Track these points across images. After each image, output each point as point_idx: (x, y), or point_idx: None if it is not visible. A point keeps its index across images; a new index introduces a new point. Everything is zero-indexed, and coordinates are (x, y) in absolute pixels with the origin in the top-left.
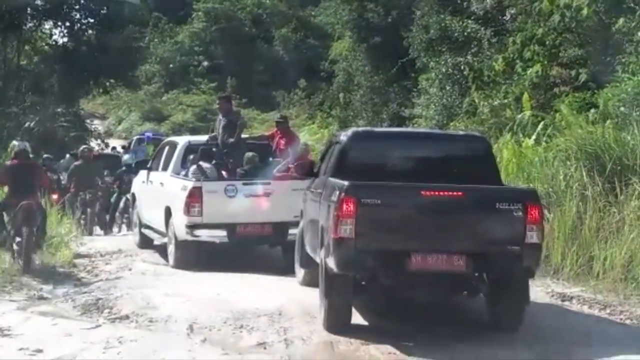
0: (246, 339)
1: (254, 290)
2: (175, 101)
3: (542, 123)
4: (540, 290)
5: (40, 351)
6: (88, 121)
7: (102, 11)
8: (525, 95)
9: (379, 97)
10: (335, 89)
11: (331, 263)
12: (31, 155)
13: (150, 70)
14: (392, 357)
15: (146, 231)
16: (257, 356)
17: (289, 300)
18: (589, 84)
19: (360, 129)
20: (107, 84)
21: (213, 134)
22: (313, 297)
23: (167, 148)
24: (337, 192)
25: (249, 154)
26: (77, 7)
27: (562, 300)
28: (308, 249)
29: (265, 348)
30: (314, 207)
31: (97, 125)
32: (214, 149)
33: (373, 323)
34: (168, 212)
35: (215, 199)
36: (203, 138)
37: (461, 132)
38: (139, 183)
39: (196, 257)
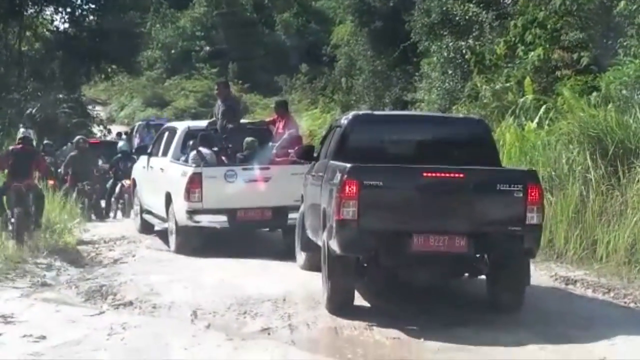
0: (250, 325)
1: (258, 276)
2: (177, 87)
3: (544, 107)
4: (543, 274)
5: (43, 337)
6: (90, 107)
7: None
8: (527, 79)
9: (381, 81)
10: (338, 73)
11: (334, 245)
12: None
13: (152, 56)
14: (396, 341)
15: (147, 216)
16: (261, 342)
17: (293, 285)
18: (591, 67)
19: (360, 112)
20: (109, 69)
21: (212, 120)
22: (317, 283)
23: (166, 133)
24: (340, 175)
25: (249, 139)
26: None
27: (566, 284)
28: (309, 232)
29: (269, 334)
30: (315, 190)
31: (99, 111)
32: (213, 135)
33: (376, 306)
34: (168, 198)
35: (215, 184)
36: (202, 123)
37: (460, 116)
38: (139, 168)
39: (197, 242)
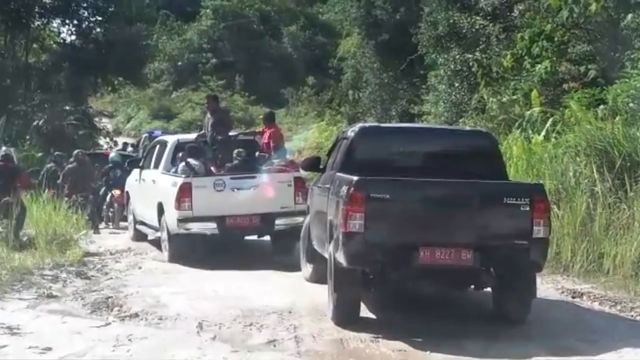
0: (256, 337)
1: (264, 288)
2: (183, 99)
3: (551, 119)
4: (550, 287)
5: (49, 349)
6: (96, 119)
7: (109, 9)
8: (534, 92)
9: (388, 94)
10: (344, 86)
11: (340, 257)
12: (40, 154)
13: (159, 68)
14: (402, 354)
15: (140, 227)
16: (267, 354)
17: (298, 297)
18: (598, 80)
19: (367, 124)
20: (115, 81)
21: (202, 132)
22: (322, 294)
23: (157, 147)
24: (346, 187)
25: (238, 150)
26: (84, 4)
27: (573, 297)
28: (315, 244)
29: (275, 345)
30: (322, 201)
31: (106, 123)
32: (201, 146)
33: (382, 318)
34: (160, 208)
35: (204, 193)
36: (192, 136)
37: (467, 128)
38: (132, 181)
39: (189, 250)
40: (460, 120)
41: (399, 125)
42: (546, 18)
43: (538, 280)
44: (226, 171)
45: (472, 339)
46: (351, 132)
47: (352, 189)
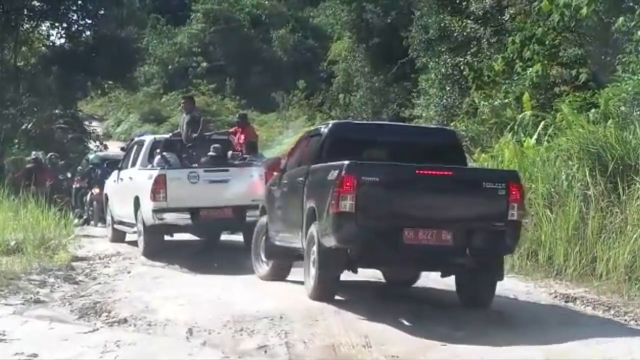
0: (247, 342)
1: (255, 293)
2: (174, 102)
3: (542, 123)
4: (543, 291)
5: (35, 356)
6: (86, 123)
7: (99, 12)
8: (526, 95)
9: (379, 97)
10: (335, 89)
11: (329, 238)
12: (29, 157)
13: (149, 72)
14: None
15: (118, 226)
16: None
17: (290, 302)
18: (589, 84)
19: (340, 120)
20: (105, 85)
21: (177, 131)
22: (315, 301)
23: (135, 147)
24: (337, 172)
25: (215, 145)
26: (74, 8)
27: (566, 301)
28: (277, 240)
29: (266, 351)
30: (291, 196)
31: (96, 127)
32: (177, 141)
33: (374, 323)
34: (137, 202)
35: (179, 185)
36: (168, 136)
37: (432, 126)
38: (111, 183)
39: (162, 243)
40: (452, 124)
41: (369, 122)
42: (537, 22)
43: (531, 284)
44: (200, 165)
45: (465, 342)
46: (324, 129)
47: (344, 172)
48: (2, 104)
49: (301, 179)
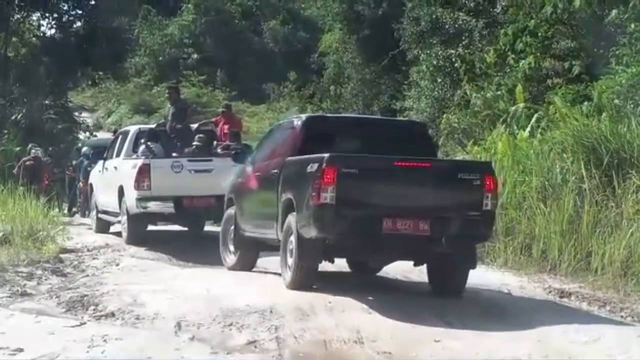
0: (236, 337)
1: (245, 287)
2: (165, 94)
3: (536, 115)
4: (537, 286)
5: (20, 350)
6: (77, 113)
7: (90, 2)
8: (519, 87)
9: (370, 89)
10: (326, 81)
11: (309, 229)
12: (18, 148)
13: (140, 63)
14: (387, 356)
15: (103, 216)
16: (247, 355)
17: (280, 297)
18: (582, 76)
19: (313, 114)
20: (96, 76)
21: (162, 122)
22: (306, 295)
23: (120, 137)
24: (317, 164)
25: (199, 135)
26: None
27: (560, 297)
28: (246, 230)
29: (255, 347)
30: (265, 187)
31: (86, 117)
32: (161, 131)
33: (366, 319)
34: (121, 192)
35: (162, 174)
36: (152, 126)
37: (403, 119)
38: (96, 173)
39: (145, 231)
40: (444, 116)
41: (343, 115)
42: (530, 14)
43: (524, 279)
44: (185, 155)
45: (458, 339)
46: (298, 122)
47: (325, 164)
48: None
49: (275, 171)
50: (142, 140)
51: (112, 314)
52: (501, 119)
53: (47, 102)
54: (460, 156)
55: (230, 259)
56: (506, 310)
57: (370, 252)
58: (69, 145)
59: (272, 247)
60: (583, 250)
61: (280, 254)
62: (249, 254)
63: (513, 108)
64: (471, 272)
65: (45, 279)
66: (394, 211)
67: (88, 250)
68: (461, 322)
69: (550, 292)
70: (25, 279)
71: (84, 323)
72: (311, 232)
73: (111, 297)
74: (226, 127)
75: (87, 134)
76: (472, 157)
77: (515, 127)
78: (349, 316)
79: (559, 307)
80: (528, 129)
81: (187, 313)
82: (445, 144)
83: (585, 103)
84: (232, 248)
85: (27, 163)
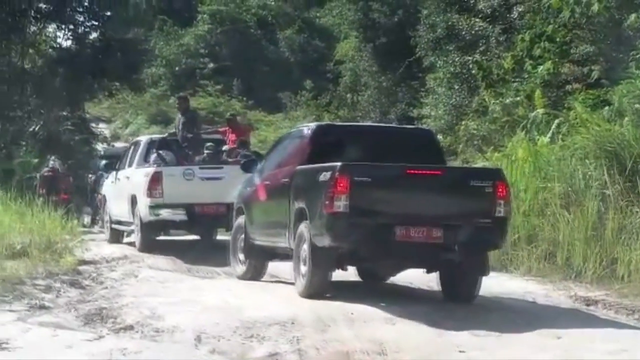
0: (257, 349)
1: (265, 298)
2: (175, 104)
3: (556, 121)
4: (562, 294)
5: None
6: (93, 124)
7: (106, 13)
8: (538, 92)
9: (387, 97)
10: (342, 89)
11: (322, 238)
12: (36, 160)
13: (156, 73)
14: None
15: (115, 226)
16: None
17: (301, 307)
18: (602, 81)
19: (322, 123)
20: (112, 87)
21: (172, 132)
22: (326, 304)
23: (132, 147)
24: (330, 173)
25: (209, 144)
26: (80, 9)
27: (587, 305)
28: (257, 239)
29: (277, 359)
30: (276, 196)
31: (103, 128)
32: (172, 140)
33: (389, 328)
34: (134, 200)
35: (174, 181)
36: (164, 136)
37: (411, 127)
38: (108, 184)
39: (156, 239)
40: (462, 123)
41: (351, 124)
42: (547, 19)
43: (549, 287)
44: (197, 162)
45: (483, 350)
46: (307, 130)
47: (337, 173)
48: (9, 107)
49: (286, 180)
50: (154, 150)
51: (131, 327)
52: (521, 125)
53: (64, 113)
54: (480, 163)
55: (240, 268)
56: (531, 319)
57: (383, 260)
58: (86, 157)
59: (282, 255)
60: (608, 257)
61: (293, 262)
62: (259, 263)
63: (532, 114)
64: (494, 281)
65: (64, 292)
66: (407, 219)
67: (106, 262)
68: (486, 331)
69: (575, 300)
70: (43, 292)
71: (103, 336)
72: (324, 241)
73: (130, 310)
74: (234, 136)
75: (105, 144)
76: (493, 163)
77: (535, 133)
78: (371, 327)
79: (585, 315)
80: (549, 134)
81: (207, 325)
82: (465, 151)
83: (606, 108)
84: (241, 257)
85: (46, 174)
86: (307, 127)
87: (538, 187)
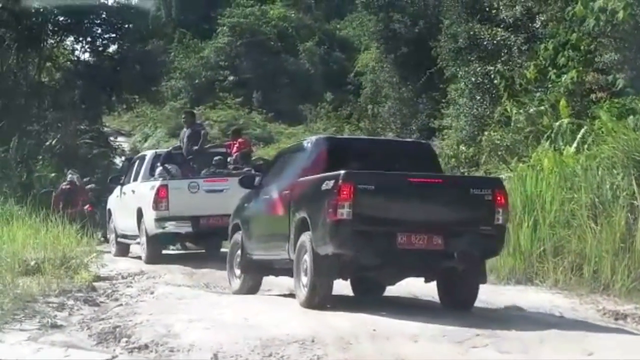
0: None
1: (284, 314)
2: (201, 117)
3: (582, 130)
4: (590, 308)
5: None
6: (112, 138)
7: (124, 26)
8: (563, 101)
9: (408, 108)
10: (363, 101)
11: (325, 246)
12: (53, 174)
13: (176, 86)
14: None
15: (122, 240)
16: None
17: (322, 324)
18: (627, 90)
19: (323, 136)
20: (131, 100)
21: (177, 145)
22: (348, 320)
23: (137, 162)
24: (333, 181)
25: (217, 157)
26: (98, 21)
27: (616, 319)
28: (254, 253)
29: None
30: (276, 209)
31: (123, 142)
32: (177, 153)
33: (412, 346)
34: (140, 214)
35: (180, 194)
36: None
37: (409, 140)
38: (114, 198)
39: (161, 252)
40: (485, 134)
41: (351, 137)
42: (571, 27)
43: (576, 300)
44: (201, 175)
45: None
46: (308, 144)
47: (341, 180)
48: (26, 120)
49: (286, 192)
50: (159, 163)
51: (146, 346)
52: (545, 135)
53: (81, 127)
54: (504, 174)
55: (235, 282)
56: (560, 334)
57: (384, 268)
58: (105, 171)
59: (278, 271)
60: (637, 270)
61: (294, 274)
62: (254, 278)
63: (557, 123)
64: (521, 294)
65: (77, 309)
66: (408, 226)
67: (122, 277)
68: (513, 348)
69: (604, 314)
70: (56, 310)
71: (116, 356)
72: (327, 249)
73: (145, 328)
74: (235, 149)
75: (122, 158)
76: (518, 174)
77: (560, 143)
78: (394, 344)
79: (615, 330)
80: (574, 144)
81: (224, 343)
82: (488, 162)
83: (631, 117)
84: (237, 272)
85: (63, 187)
86: (307, 141)
87: (564, 198)
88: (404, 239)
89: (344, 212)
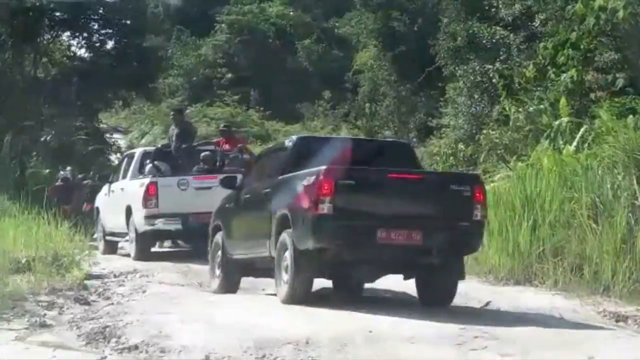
0: None
1: (278, 315)
2: (199, 114)
3: (582, 129)
4: (590, 309)
5: None
6: (108, 135)
7: (122, 22)
8: (563, 100)
9: (406, 106)
10: (361, 99)
11: (306, 241)
12: (47, 170)
13: (174, 83)
14: None
15: (110, 237)
16: None
17: (316, 325)
18: (627, 89)
19: (303, 135)
20: (127, 96)
21: (166, 143)
22: (343, 323)
23: (126, 159)
24: (314, 177)
25: (205, 154)
26: (95, 17)
27: (617, 321)
28: (235, 252)
29: None
30: (257, 208)
31: (119, 139)
32: (166, 150)
33: (409, 348)
34: (129, 211)
35: (169, 191)
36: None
37: (389, 139)
38: (102, 196)
39: (151, 249)
40: (484, 132)
41: (331, 137)
42: (571, 26)
43: (576, 302)
44: (190, 172)
45: None
46: (289, 143)
47: (322, 176)
48: (21, 116)
49: (267, 190)
50: (148, 161)
51: (136, 347)
52: (545, 134)
53: (77, 123)
54: (502, 173)
55: (215, 282)
56: (561, 336)
57: (364, 263)
58: (100, 167)
59: (259, 271)
60: (638, 271)
61: (275, 271)
62: (231, 277)
63: (557, 122)
64: (520, 295)
65: (67, 308)
66: (388, 222)
67: (115, 276)
68: (514, 350)
69: (605, 315)
70: (45, 309)
71: (105, 357)
72: (308, 244)
73: (135, 328)
74: (227, 146)
75: (118, 155)
76: (517, 173)
77: (560, 142)
78: (391, 346)
79: (616, 332)
80: (574, 143)
81: (217, 345)
82: (487, 161)
83: (631, 116)
84: (217, 272)
85: (57, 184)
86: (289, 140)
87: (564, 198)
88: (383, 234)
89: (325, 207)
